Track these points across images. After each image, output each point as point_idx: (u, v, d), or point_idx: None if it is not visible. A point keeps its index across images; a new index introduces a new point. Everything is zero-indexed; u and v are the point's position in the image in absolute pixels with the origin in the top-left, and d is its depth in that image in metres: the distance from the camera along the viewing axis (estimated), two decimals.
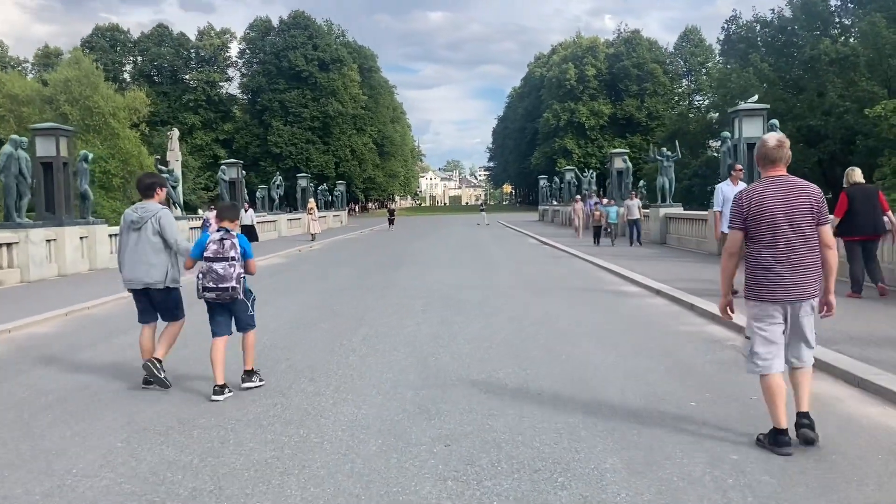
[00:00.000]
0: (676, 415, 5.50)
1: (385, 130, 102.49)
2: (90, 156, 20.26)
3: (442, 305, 11.69)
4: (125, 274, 6.77)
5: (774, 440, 4.67)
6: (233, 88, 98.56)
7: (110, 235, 20.86)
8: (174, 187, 26.15)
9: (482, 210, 58.66)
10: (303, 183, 47.99)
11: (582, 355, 7.73)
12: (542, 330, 9.24)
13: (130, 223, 6.69)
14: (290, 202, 59.58)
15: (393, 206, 56.18)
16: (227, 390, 6.22)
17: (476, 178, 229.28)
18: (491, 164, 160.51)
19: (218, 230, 6.39)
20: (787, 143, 4.89)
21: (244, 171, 35.12)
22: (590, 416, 5.51)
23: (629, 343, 8.36)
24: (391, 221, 47.35)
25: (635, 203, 24.50)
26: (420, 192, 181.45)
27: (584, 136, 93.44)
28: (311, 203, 39.15)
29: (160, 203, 6.88)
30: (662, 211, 25.24)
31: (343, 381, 6.73)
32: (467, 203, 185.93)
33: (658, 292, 12.57)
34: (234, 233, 6.38)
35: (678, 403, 5.81)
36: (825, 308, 4.83)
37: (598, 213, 25.68)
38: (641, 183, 38.87)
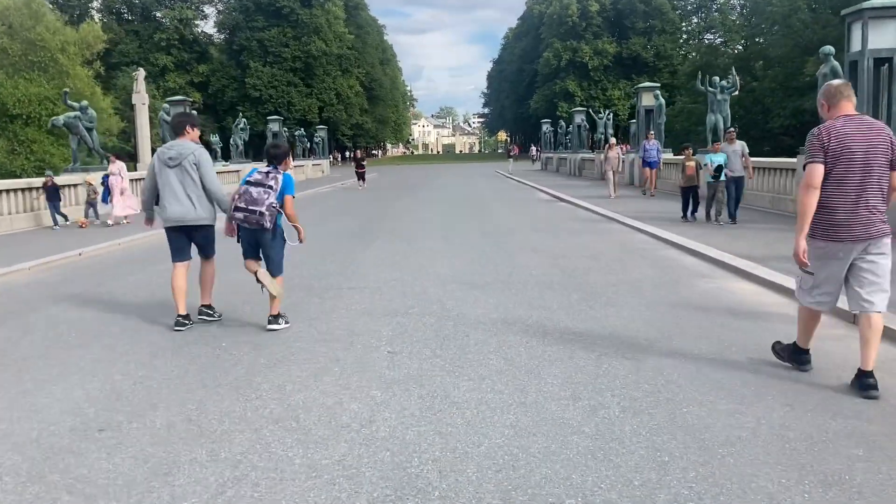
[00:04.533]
0: None
1: (373, 73, 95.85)
2: None
3: (429, 338, 6.22)
4: (167, 212, 6.68)
5: (797, 358, 5.03)
6: (208, 27, 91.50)
7: None
8: (89, 129, 20.40)
9: (511, 157, 55.00)
10: (274, 127, 41.79)
11: None
12: (671, 446, 3.78)
13: (168, 160, 6.64)
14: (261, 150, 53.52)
15: (362, 155, 36.89)
16: (282, 320, 6.60)
17: (470, 126, 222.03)
18: (485, 111, 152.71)
19: (268, 165, 6.46)
20: (850, 84, 4.85)
21: (194, 110, 29.06)
22: None
23: None
24: (360, 176, 34.22)
25: (736, 148, 13.92)
26: (412, 139, 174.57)
27: (586, 78, 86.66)
28: None
29: (194, 141, 6.84)
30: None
31: None
32: (461, 151, 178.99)
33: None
34: (282, 170, 6.44)
35: None
36: None
37: (690, 164, 14.63)
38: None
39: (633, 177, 26.65)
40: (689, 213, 14.66)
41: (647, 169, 21.97)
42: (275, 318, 6.55)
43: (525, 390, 4.81)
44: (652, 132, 23.22)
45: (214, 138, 48.30)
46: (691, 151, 15.06)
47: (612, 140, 23.13)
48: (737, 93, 20.36)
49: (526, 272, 9.46)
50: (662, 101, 26.17)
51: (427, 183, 36.88)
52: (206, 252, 6.98)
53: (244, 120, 38.56)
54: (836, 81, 4.81)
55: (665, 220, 14.52)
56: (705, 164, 13.83)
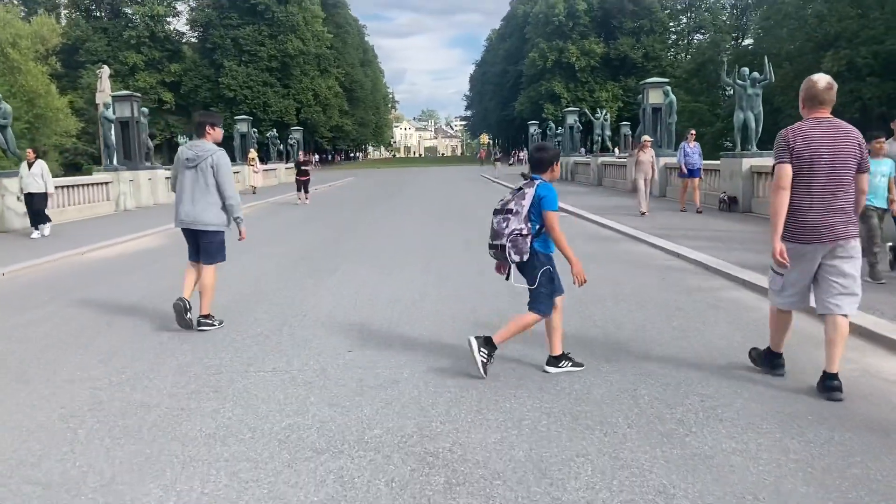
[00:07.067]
0: None
1: (354, 74, 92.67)
2: None
3: None
4: (178, 213, 6.61)
5: (770, 362, 4.92)
6: (181, 25, 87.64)
7: None
8: (2, 127, 17.07)
9: (497, 161, 52.72)
10: (242, 128, 38.38)
11: None
12: None
13: (186, 160, 6.49)
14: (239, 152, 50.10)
15: (305, 159, 27.98)
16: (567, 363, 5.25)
17: (452, 129, 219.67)
18: (468, 114, 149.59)
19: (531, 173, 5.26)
20: (835, 86, 4.65)
21: (146, 110, 25.65)
22: None
23: None
24: (302, 186, 25.26)
25: None
26: (394, 142, 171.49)
27: (573, 79, 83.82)
28: (252, 153, 33.36)
29: (215, 143, 6.64)
30: (748, 163, 16.62)
31: None
32: (443, 154, 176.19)
33: None
34: (538, 181, 5.03)
35: None
36: None
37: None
38: (643, 136, 26.49)
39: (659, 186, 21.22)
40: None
41: (689, 179, 17.12)
42: (555, 360, 5.27)
43: None
44: (693, 132, 18.15)
45: (184, 140, 45.11)
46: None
47: (646, 138, 17.79)
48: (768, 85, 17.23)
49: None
50: (673, 97, 23.07)
51: (406, 189, 33.38)
52: (210, 258, 6.65)
53: None
54: (823, 82, 4.58)
55: (712, 244, 11.40)
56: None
